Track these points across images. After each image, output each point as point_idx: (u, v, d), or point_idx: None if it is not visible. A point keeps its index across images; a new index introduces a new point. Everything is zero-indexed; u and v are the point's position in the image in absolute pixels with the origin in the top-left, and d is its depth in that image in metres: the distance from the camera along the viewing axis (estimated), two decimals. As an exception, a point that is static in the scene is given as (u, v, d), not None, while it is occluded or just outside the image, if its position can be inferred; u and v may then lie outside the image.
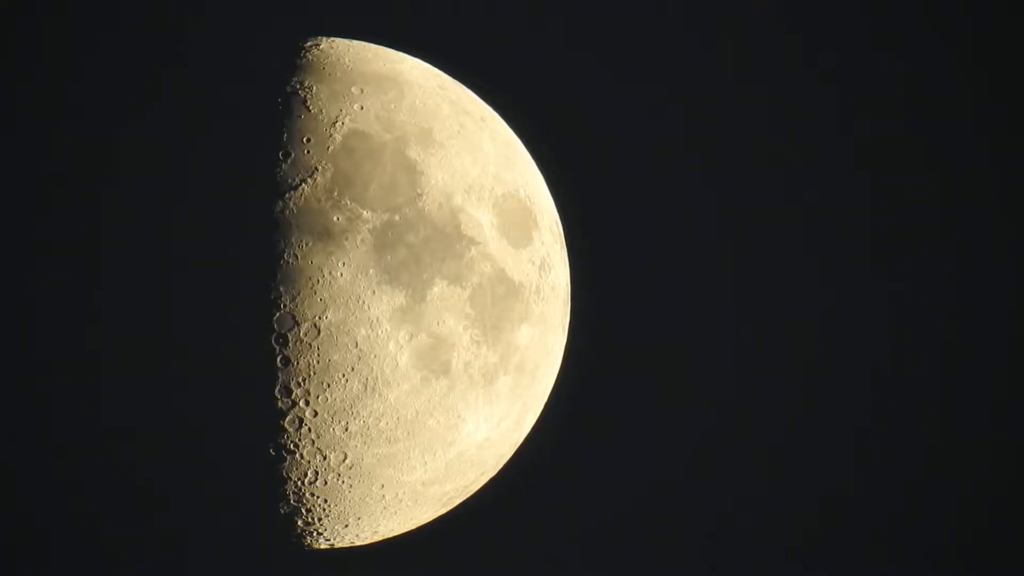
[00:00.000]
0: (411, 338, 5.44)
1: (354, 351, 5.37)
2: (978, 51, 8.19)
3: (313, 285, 5.32)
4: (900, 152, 8.29)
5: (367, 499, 5.73)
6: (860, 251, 8.30)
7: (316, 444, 5.49)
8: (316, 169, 5.41)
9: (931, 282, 8.27)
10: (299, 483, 5.61)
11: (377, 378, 5.42)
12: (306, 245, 5.32)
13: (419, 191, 5.52)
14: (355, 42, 6.05)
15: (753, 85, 8.24)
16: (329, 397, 5.41)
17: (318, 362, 5.36)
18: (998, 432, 8.21)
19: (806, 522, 8.22)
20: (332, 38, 6.03)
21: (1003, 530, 8.14)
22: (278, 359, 5.34)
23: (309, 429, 5.45)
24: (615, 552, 8.12)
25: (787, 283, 8.28)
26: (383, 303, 5.38)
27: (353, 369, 5.39)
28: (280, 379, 5.36)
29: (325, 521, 5.81)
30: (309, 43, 5.94)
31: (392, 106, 5.69)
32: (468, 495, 6.26)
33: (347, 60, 5.85)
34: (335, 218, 5.36)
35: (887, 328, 8.27)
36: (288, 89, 5.62)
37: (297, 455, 5.51)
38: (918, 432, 8.26)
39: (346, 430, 5.48)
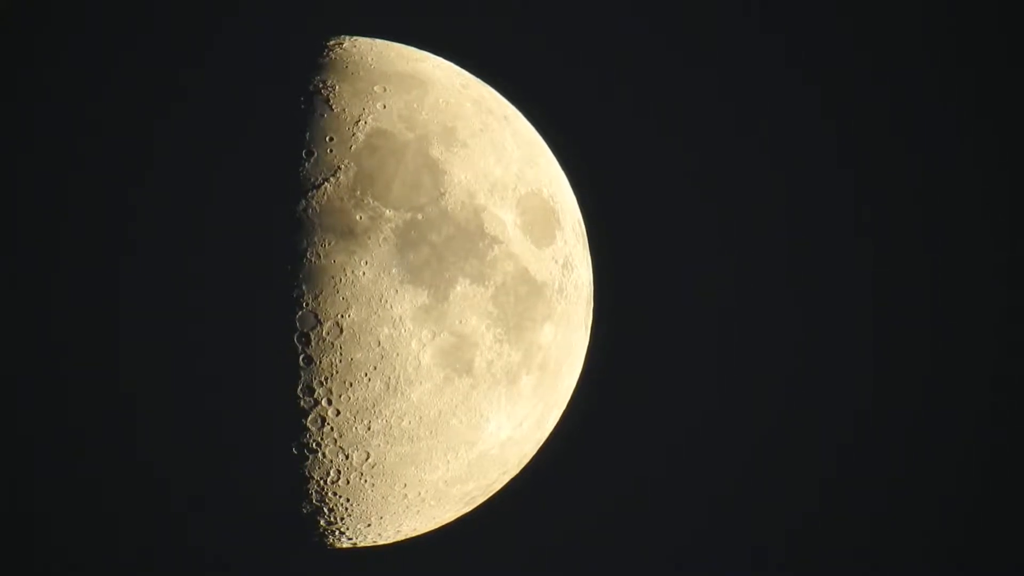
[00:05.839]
0: (434, 337, 5.43)
1: (376, 350, 5.37)
2: (973, 55, 8.18)
3: (336, 284, 5.32)
4: (906, 158, 8.29)
5: (389, 498, 5.73)
6: (881, 254, 8.31)
7: (338, 443, 5.49)
8: (339, 168, 5.41)
9: (933, 284, 8.26)
10: (321, 482, 5.61)
11: (400, 377, 5.41)
12: (329, 244, 5.33)
13: (442, 190, 5.52)
14: (378, 41, 6.05)
15: (779, 87, 8.23)
16: (351, 396, 5.41)
17: (340, 361, 5.36)
18: (989, 435, 8.20)
19: (823, 524, 8.22)
20: (355, 37, 6.03)
21: (990, 533, 8.14)
22: (300, 358, 5.34)
23: (331, 428, 5.45)
24: (637, 551, 8.11)
25: (815, 282, 8.28)
26: (406, 302, 5.37)
27: (375, 368, 5.38)
28: (303, 378, 5.36)
29: (347, 520, 5.81)
30: (332, 42, 5.95)
31: (415, 105, 5.68)
32: (490, 494, 6.25)
33: (370, 59, 5.85)
34: (358, 217, 5.36)
35: (891, 331, 8.28)
36: (311, 88, 5.63)
37: (319, 454, 5.51)
38: (919, 435, 8.25)
39: (368, 429, 5.48)
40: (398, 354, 5.39)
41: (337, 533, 5.90)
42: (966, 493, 8.21)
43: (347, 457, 5.53)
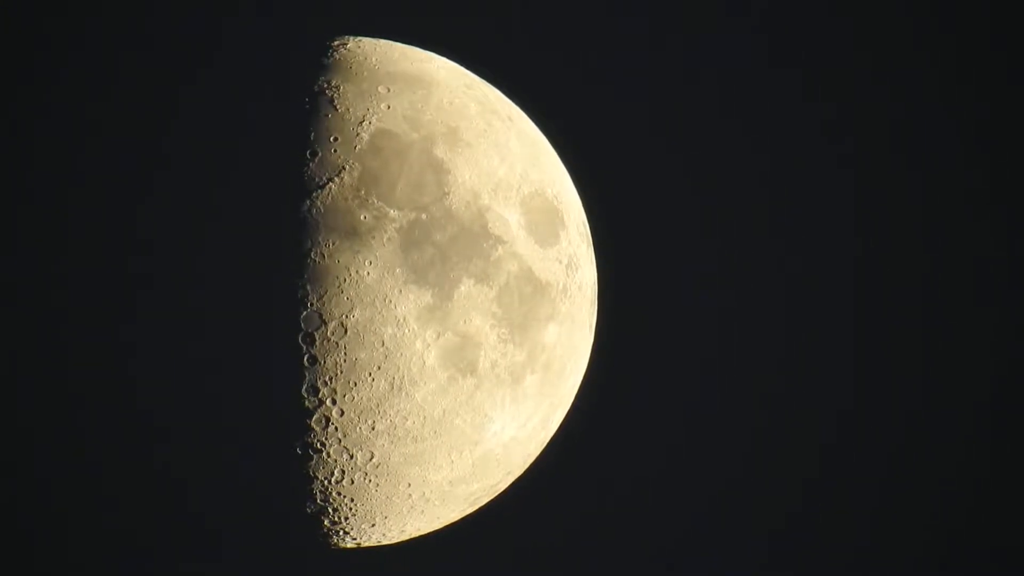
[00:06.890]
0: (438, 337, 5.43)
1: (381, 350, 5.37)
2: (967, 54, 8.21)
3: (340, 284, 5.32)
4: (906, 158, 8.32)
5: (393, 498, 5.73)
6: (888, 255, 8.34)
7: (343, 443, 5.49)
8: (343, 168, 5.41)
9: (933, 284, 8.29)
10: (326, 482, 5.61)
11: (404, 377, 5.42)
12: (333, 244, 5.32)
13: (446, 190, 5.52)
14: (382, 41, 6.05)
15: (779, 87, 8.24)
16: (356, 396, 5.41)
17: (345, 361, 5.36)
18: (988, 435, 8.23)
19: (839, 524, 8.24)
20: (359, 37, 6.03)
21: (989, 532, 8.17)
22: (305, 358, 5.34)
23: (336, 428, 5.45)
24: (637, 550, 8.12)
25: (815, 282, 8.29)
26: (410, 302, 5.38)
27: (380, 368, 5.39)
28: (307, 378, 5.36)
29: (352, 520, 5.81)
30: (336, 42, 5.94)
31: (419, 105, 5.69)
32: (495, 494, 6.26)
33: (374, 59, 5.85)
34: (362, 217, 5.36)
35: (890, 330, 8.30)
36: (315, 88, 5.62)
37: (324, 454, 5.51)
38: (919, 435, 8.28)
39: (373, 429, 5.48)
40: (402, 354, 5.40)
41: (341, 533, 5.90)
42: (966, 492, 8.23)
43: (351, 457, 5.53)
